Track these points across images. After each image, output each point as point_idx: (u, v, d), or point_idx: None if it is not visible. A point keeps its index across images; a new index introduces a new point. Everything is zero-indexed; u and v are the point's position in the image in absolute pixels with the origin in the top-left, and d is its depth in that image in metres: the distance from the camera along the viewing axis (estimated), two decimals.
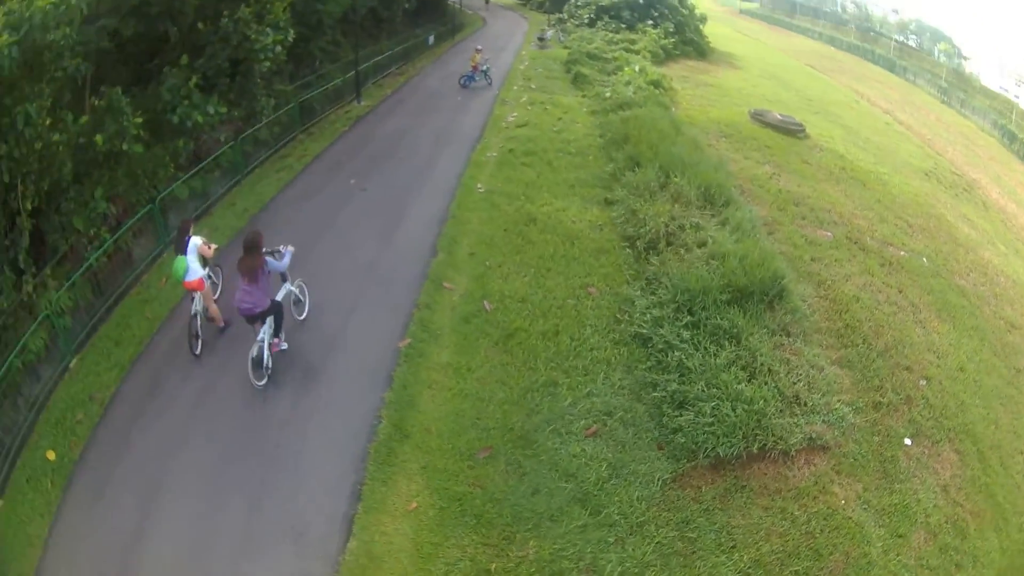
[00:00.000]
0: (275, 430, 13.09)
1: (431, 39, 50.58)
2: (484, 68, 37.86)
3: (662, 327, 14.10)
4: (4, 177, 15.22)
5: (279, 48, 25.96)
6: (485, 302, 15.82)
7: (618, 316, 15.30)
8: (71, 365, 15.63)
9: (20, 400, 14.63)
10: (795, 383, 13.00)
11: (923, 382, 15.14)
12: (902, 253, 21.63)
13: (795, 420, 12.16)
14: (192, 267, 14.64)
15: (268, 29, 25.35)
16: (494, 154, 25.57)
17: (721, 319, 14.08)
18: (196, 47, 24.39)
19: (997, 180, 40.05)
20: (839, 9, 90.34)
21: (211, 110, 22.91)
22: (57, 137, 16.47)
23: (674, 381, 12.77)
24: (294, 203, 22.28)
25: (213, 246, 15.30)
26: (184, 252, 14.63)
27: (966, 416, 14.83)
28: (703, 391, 12.33)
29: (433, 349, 14.83)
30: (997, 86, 58.54)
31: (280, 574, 10.50)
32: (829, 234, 21.18)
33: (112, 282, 17.84)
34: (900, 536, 11.51)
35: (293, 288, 15.52)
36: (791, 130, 33.15)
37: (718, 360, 13.02)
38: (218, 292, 16.85)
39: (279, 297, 14.52)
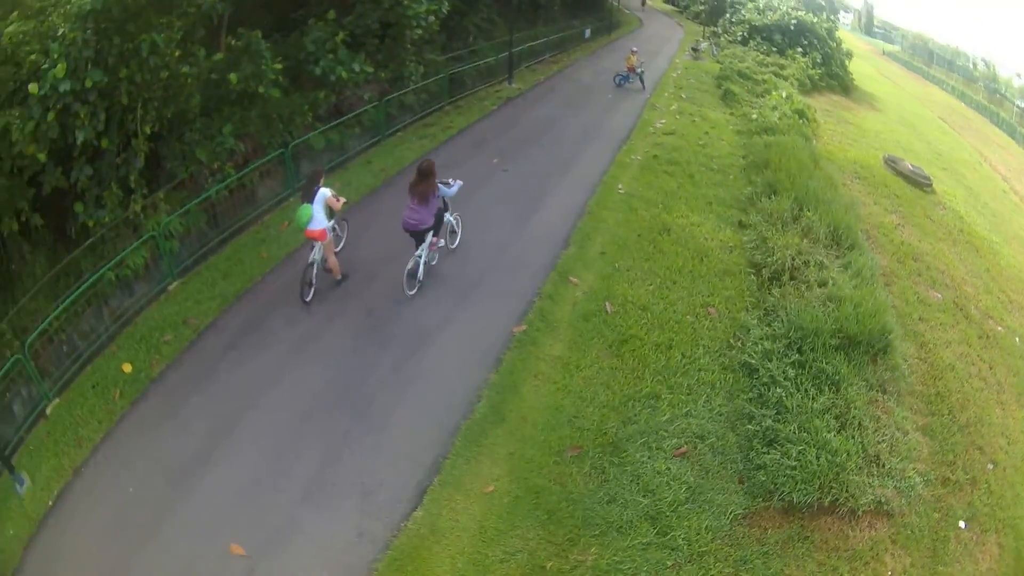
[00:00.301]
0: (371, 388, 12.83)
1: (588, 32, 49.93)
2: (639, 71, 36.43)
3: (771, 361, 13.54)
4: (123, 99, 15.18)
5: (432, 18, 25.64)
6: (607, 303, 15.33)
7: (731, 342, 14.69)
8: (170, 287, 15.68)
9: (105, 310, 14.63)
10: (879, 442, 12.31)
11: (990, 466, 14.27)
12: (999, 328, 20.41)
13: (870, 480, 11.50)
14: (317, 217, 14.32)
15: None
16: (638, 157, 24.83)
17: (826, 363, 13.43)
18: (344, 4, 24.19)
19: None
20: (971, 65, 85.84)
21: (356, 68, 22.90)
22: (186, 70, 16.49)
23: (770, 417, 12.24)
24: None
25: (342, 200, 14.88)
26: (311, 201, 14.30)
27: (1017, 509, 13.86)
28: (794, 433, 11.77)
29: (547, 340, 14.30)
30: None
31: (335, 527, 10.29)
32: (939, 296, 20.15)
33: (230, 216, 17.81)
34: None
35: (451, 218, 16.66)
36: (920, 183, 31.56)
37: (815, 404, 12.42)
38: (341, 245, 16.74)
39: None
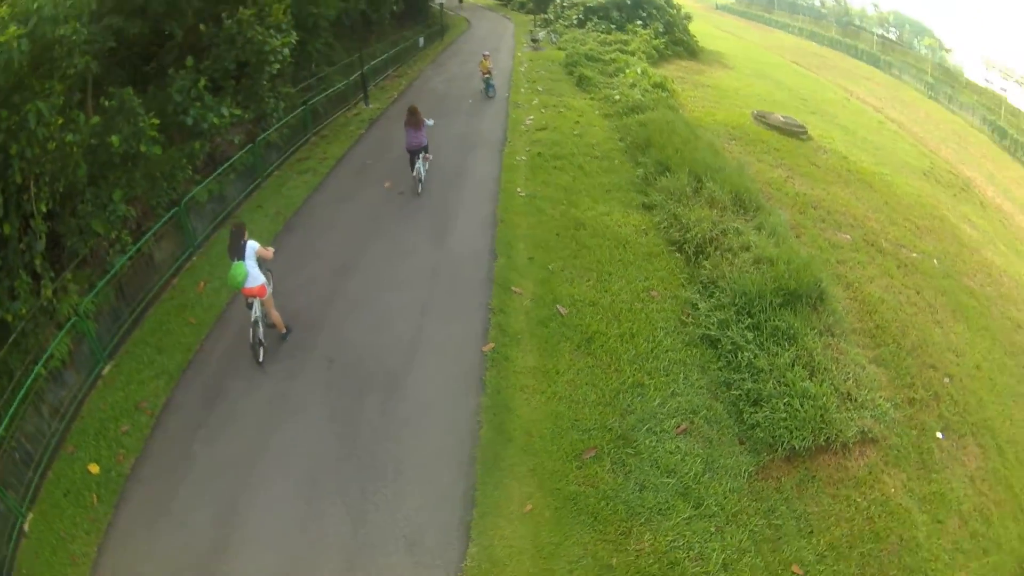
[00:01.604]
0: (366, 437, 12.94)
1: (421, 41, 51.04)
2: (486, 77, 36.46)
3: (728, 329, 14.99)
4: (16, 178, 14.42)
5: (286, 51, 25.87)
6: (558, 306, 16.11)
7: (683, 319, 15.86)
8: (104, 372, 15.06)
9: (44, 407, 13.73)
10: (846, 380, 14.10)
11: (947, 379, 16.38)
12: (914, 255, 22.83)
13: (849, 415, 13.23)
14: (252, 273, 14.15)
15: (273, 31, 25.29)
16: (523, 158, 25.88)
17: (778, 321, 15.07)
18: (198, 49, 24.24)
19: (991, 178, 41.42)
20: (817, 3, 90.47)
21: (225, 112, 22.71)
22: (70, 137, 15.76)
23: (747, 380, 13.73)
24: (330, 206, 22.42)
25: (271, 248, 14.94)
26: (241, 257, 14.11)
27: (984, 412, 16.09)
28: (774, 389, 13.37)
29: (516, 353, 14.87)
30: (982, 80, 59.29)
31: None
32: (848, 237, 22.26)
33: (136, 287, 17.18)
34: (939, 522, 12.66)
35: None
36: (794, 132, 34.02)
37: (781, 360, 14.05)
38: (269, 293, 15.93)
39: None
